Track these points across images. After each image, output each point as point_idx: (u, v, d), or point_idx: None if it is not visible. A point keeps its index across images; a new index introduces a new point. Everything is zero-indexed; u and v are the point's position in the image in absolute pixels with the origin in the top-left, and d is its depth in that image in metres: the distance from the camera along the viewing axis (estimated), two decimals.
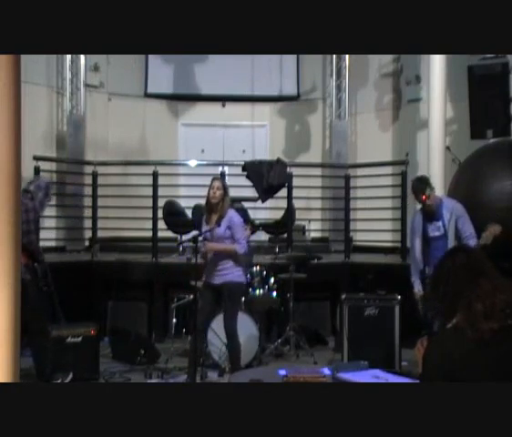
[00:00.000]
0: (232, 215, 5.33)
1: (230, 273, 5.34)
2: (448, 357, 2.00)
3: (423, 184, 5.50)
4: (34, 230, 5.16)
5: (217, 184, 5.36)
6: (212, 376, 5.92)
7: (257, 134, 11.79)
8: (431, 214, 5.47)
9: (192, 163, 9.88)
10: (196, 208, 8.33)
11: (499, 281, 2.13)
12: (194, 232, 5.41)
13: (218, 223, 5.24)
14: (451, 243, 5.29)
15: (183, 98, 11.67)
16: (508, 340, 2.02)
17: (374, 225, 8.79)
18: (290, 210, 8.58)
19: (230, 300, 5.44)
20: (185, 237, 8.14)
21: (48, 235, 8.71)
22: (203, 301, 5.39)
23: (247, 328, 6.20)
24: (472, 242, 5.22)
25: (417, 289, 5.53)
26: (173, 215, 8.62)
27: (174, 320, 6.79)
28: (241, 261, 5.42)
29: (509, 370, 2.00)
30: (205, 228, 5.34)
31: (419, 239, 5.53)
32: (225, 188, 5.38)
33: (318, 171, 10.14)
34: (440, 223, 5.42)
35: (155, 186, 8.33)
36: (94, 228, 8.73)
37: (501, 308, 2.03)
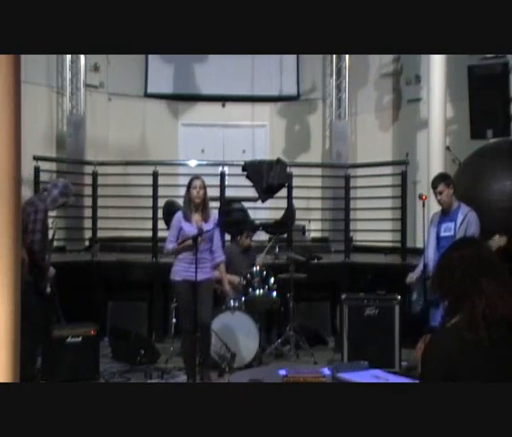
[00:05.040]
0: (216, 216, 5.44)
1: (208, 270, 5.48)
2: (447, 357, 1.99)
3: (436, 179, 5.60)
4: (40, 230, 5.14)
5: (199, 183, 5.40)
6: (212, 376, 5.92)
7: (257, 134, 11.80)
8: (445, 211, 5.48)
9: (192, 163, 9.87)
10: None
11: (507, 286, 2.05)
12: (193, 232, 5.40)
13: (207, 222, 5.34)
14: None
15: (183, 98, 11.68)
16: (507, 342, 2.01)
17: (374, 225, 8.79)
18: (290, 210, 8.58)
19: (208, 296, 5.53)
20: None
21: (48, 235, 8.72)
22: (186, 301, 5.35)
23: (247, 328, 6.20)
24: None
25: (411, 274, 5.56)
26: (173, 215, 8.59)
27: (174, 320, 6.79)
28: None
29: (507, 371, 2.00)
30: (187, 226, 5.35)
31: (433, 236, 5.53)
32: (205, 187, 5.45)
33: (318, 171, 10.15)
34: (452, 225, 5.42)
35: (155, 186, 8.33)
36: (94, 228, 8.73)
37: (503, 316, 1.99)
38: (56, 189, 5.36)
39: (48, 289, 5.34)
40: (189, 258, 5.31)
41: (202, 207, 5.41)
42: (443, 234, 5.45)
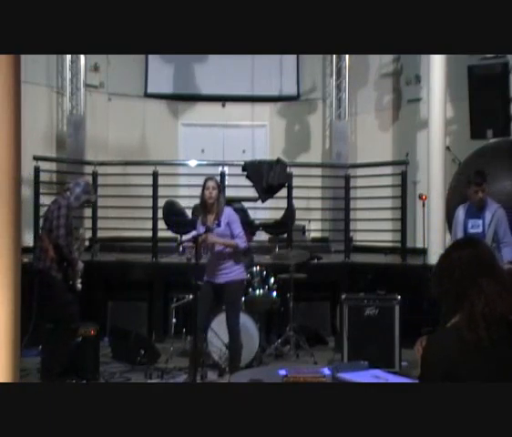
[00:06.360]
0: (229, 211, 5.41)
1: (232, 272, 5.37)
2: (447, 357, 1.99)
3: (478, 177, 5.42)
4: (63, 225, 5.21)
5: (212, 184, 5.38)
6: (212, 376, 5.92)
7: (257, 134, 11.80)
8: (479, 209, 5.42)
9: (192, 163, 9.87)
10: (196, 208, 8.33)
11: (506, 286, 2.05)
12: (194, 232, 5.40)
13: (217, 222, 5.28)
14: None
15: (183, 98, 11.67)
16: (507, 342, 2.01)
17: (374, 225, 8.79)
18: (290, 210, 8.58)
19: (232, 300, 5.45)
20: (185, 237, 8.14)
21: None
22: (203, 301, 5.39)
23: (247, 328, 6.19)
24: (507, 250, 5.22)
25: None
26: (173, 215, 8.61)
27: (174, 320, 6.78)
28: (241, 258, 5.46)
29: (507, 371, 2.00)
30: (202, 228, 5.34)
31: (461, 234, 5.49)
32: (219, 187, 5.43)
33: (318, 171, 10.15)
34: (481, 222, 5.39)
35: (155, 186, 8.33)
36: (94, 228, 8.73)
37: (502, 315, 1.99)
38: (79, 187, 5.47)
39: (79, 286, 5.40)
40: (213, 261, 5.36)
41: (216, 207, 5.39)
42: (470, 230, 5.40)
